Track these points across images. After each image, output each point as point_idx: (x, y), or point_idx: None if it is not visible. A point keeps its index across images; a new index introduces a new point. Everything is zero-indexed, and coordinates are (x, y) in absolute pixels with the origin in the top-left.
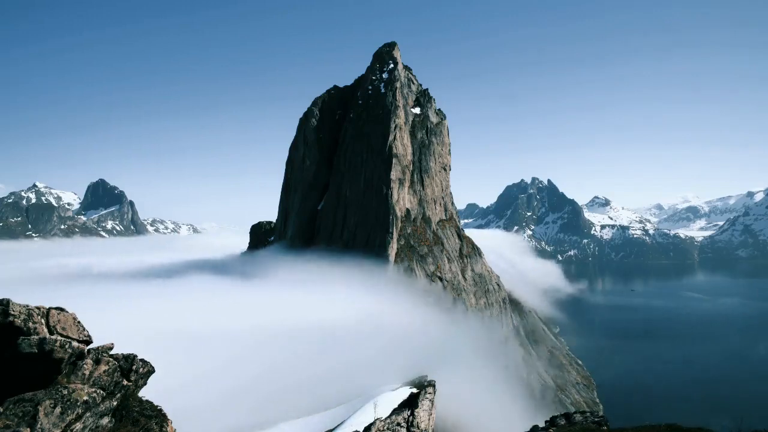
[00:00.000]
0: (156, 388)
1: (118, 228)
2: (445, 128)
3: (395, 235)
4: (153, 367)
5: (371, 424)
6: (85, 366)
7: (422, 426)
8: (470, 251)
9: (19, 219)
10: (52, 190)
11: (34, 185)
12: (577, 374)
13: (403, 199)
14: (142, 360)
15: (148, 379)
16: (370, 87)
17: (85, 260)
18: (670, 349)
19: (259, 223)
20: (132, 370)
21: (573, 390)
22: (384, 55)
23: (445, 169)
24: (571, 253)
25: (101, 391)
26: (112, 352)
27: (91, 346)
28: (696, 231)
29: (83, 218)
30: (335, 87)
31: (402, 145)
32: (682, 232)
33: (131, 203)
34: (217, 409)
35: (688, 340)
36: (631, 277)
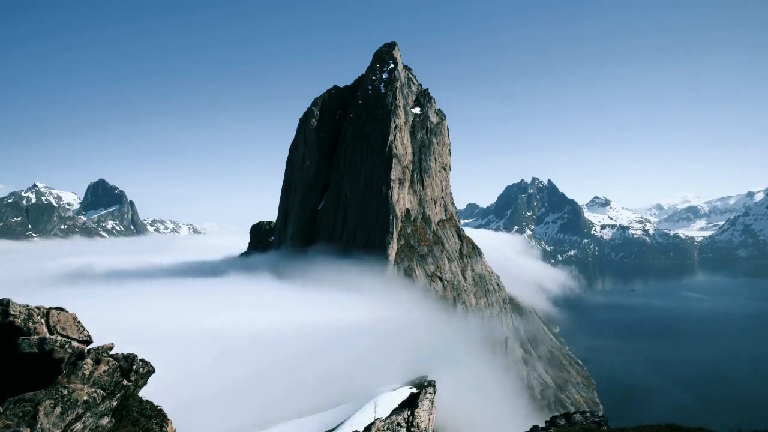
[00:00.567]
0: (156, 387)
1: (118, 228)
2: (445, 128)
3: (395, 235)
4: (153, 367)
5: (371, 424)
6: (85, 366)
7: (422, 426)
8: (470, 251)
9: (19, 219)
10: (52, 190)
11: (34, 185)
12: (577, 374)
13: (403, 199)
14: (142, 360)
15: (148, 379)
16: (370, 87)
17: (85, 260)
18: (670, 349)
19: (259, 223)
20: (132, 370)
21: (573, 390)
22: (384, 55)
23: (445, 169)
24: (571, 253)
25: (101, 391)
26: (112, 352)
27: (91, 346)
28: (696, 231)
29: (83, 218)
30: (335, 87)
31: (402, 145)
32: (682, 232)
33: (131, 203)
34: (217, 409)
35: (688, 340)
36: (631, 277)
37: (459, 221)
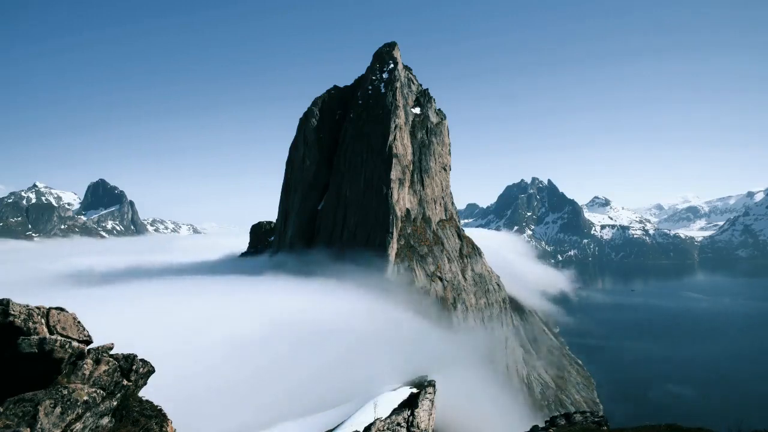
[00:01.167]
0: (156, 388)
1: (118, 228)
2: (445, 128)
3: (395, 235)
4: (153, 367)
5: (371, 424)
6: (85, 366)
7: (422, 426)
8: (470, 251)
9: (19, 219)
10: (52, 190)
11: (34, 185)
12: (577, 374)
13: (403, 199)
14: (142, 360)
15: (148, 379)
16: (370, 87)
17: (85, 260)
18: (670, 349)
19: (259, 223)
20: (132, 370)
21: (573, 390)
22: (384, 55)
23: (445, 169)
24: (571, 253)
25: (101, 391)
26: (112, 352)
27: (91, 346)
28: (696, 231)
29: (83, 218)
30: (335, 87)
31: (402, 145)
32: (682, 232)
33: (131, 203)
34: (217, 408)
35: (688, 340)
36: (631, 277)
37: (459, 221)
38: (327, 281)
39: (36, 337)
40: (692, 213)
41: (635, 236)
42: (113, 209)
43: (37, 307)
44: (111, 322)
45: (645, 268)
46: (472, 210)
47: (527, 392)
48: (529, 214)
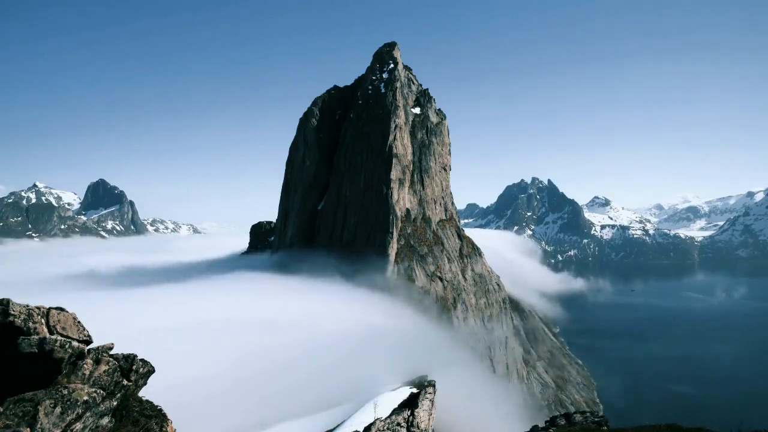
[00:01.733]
0: (156, 388)
1: (118, 228)
2: (445, 128)
3: (395, 235)
4: (153, 367)
5: (371, 424)
6: (85, 366)
7: (422, 426)
8: (470, 251)
9: (19, 219)
10: (52, 190)
11: (34, 185)
12: (577, 374)
13: (403, 199)
14: (142, 360)
15: (148, 379)
16: (370, 87)
17: (85, 260)
18: (670, 349)
19: (259, 223)
20: (132, 370)
21: (573, 390)
22: (384, 55)
23: (445, 169)
24: (571, 253)
25: (101, 391)
26: (112, 352)
27: (91, 346)
28: (696, 231)
29: (83, 218)
30: (335, 87)
31: (402, 145)
32: (682, 232)
33: (131, 203)
34: (217, 408)
35: (688, 340)
36: (631, 277)
37: (459, 221)
38: (327, 281)
39: (36, 337)
40: (692, 213)
41: (635, 236)
42: (113, 209)
43: (37, 307)
44: (111, 322)
45: (645, 268)
46: (472, 210)
47: (527, 392)
48: (529, 214)
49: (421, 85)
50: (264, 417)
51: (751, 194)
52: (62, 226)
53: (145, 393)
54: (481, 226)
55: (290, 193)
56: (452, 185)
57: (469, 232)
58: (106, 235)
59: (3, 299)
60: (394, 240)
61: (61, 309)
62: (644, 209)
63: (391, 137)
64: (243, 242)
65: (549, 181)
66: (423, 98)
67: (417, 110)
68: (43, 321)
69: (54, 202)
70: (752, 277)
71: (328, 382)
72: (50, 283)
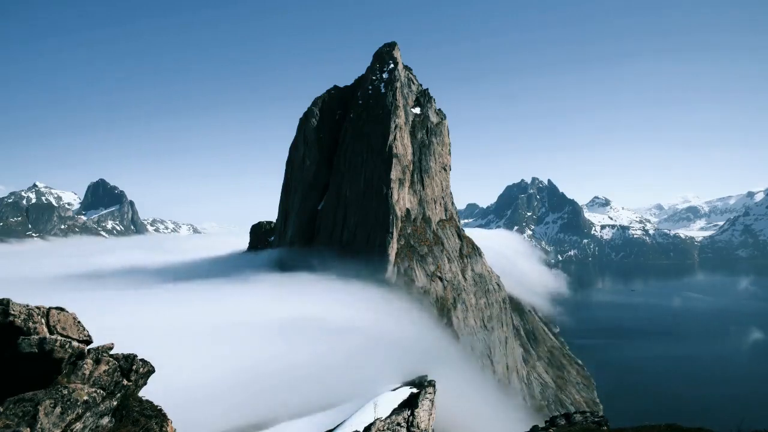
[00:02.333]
0: (156, 388)
1: (118, 228)
2: (445, 128)
3: (395, 235)
4: (153, 367)
5: (371, 424)
6: (85, 366)
7: (422, 426)
8: (470, 251)
9: (19, 219)
10: (52, 190)
11: (34, 185)
12: (577, 374)
13: (403, 199)
14: (142, 360)
15: (148, 378)
16: (370, 87)
17: (86, 260)
18: (671, 349)
19: (259, 223)
20: (132, 369)
21: (573, 390)
22: (384, 55)
23: (445, 169)
24: (571, 253)
25: (101, 391)
26: (112, 352)
27: (91, 346)
28: (696, 231)
29: (83, 218)
30: (335, 87)
31: (402, 145)
32: (682, 232)
33: (131, 203)
34: (217, 408)
35: (688, 340)
36: (631, 277)
37: (459, 221)
38: (327, 281)
39: (36, 336)
40: (692, 213)
41: (635, 236)
42: (113, 209)
43: (37, 307)
44: (111, 322)
45: (645, 268)
46: (472, 210)
47: (527, 392)
48: (529, 214)
49: (421, 85)
50: (264, 417)
51: (751, 194)
52: (62, 226)
53: (145, 393)
54: (481, 226)
55: (290, 193)
56: (452, 185)
57: (469, 232)
58: (106, 235)
59: (3, 299)
60: (394, 240)
61: (61, 309)
62: (644, 209)
63: (391, 137)
64: (243, 242)
65: (549, 181)
66: (423, 98)
67: (417, 110)
68: (43, 321)
69: (54, 202)
70: (752, 277)
71: (328, 382)
72: (50, 283)
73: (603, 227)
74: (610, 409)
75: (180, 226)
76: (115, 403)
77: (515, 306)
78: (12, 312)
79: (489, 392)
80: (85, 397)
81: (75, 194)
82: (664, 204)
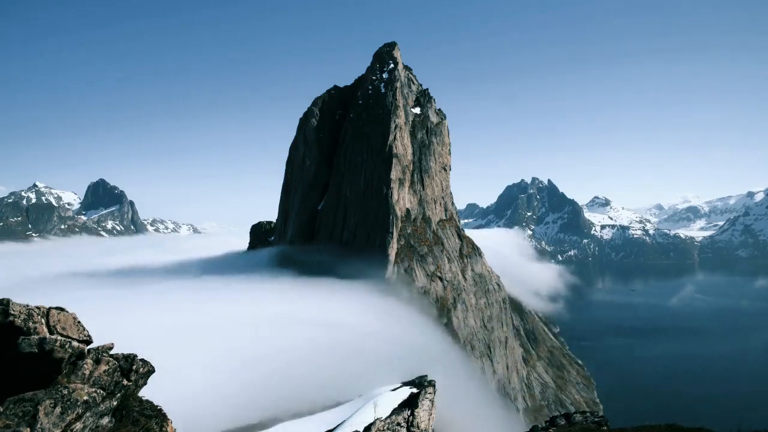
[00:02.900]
0: (156, 388)
1: (118, 228)
2: (445, 128)
3: (395, 235)
4: (153, 367)
5: (371, 424)
6: (85, 366)
7: (422, 426)
8: (470, 251)
9: (19, 219)
10: (52, 190)
11: (34, 185)
12: (577, 374)
13: (403, 199)
14: (142, 360)
15: (148, 378)
16: (370, 87)
17: (85, 260)
18: (670, 349)
19: (259, 223)
20: (132, 369)
21: (573, 390)
22: (384, 55)
23: (445, 169)
24: (571, 253)
25: (101, 391)
26: (112, 352)
27: (91, 345)
28: (696, 231)
29: (83, 218)
30: (335, 87)
31: (402, 145)
32: (682, 232)
33: (131, 203)
34: (217, 409)
35: (688, 340)
36: (631, 277)
37: (459, 221)
38: (327, 281)
39: (36, 336)
40: (692, 213)
41: (635, 236)
42: (113, 209)
43: (37, 307)
44: (111, 323)
45: (645, 268)
46: (472, 210)
47: (527, 392)
48: (529, 214)
49: (421, 85)
50: (264, 417)
51: (751, 194)
52: (62, 226)
53: (145, 393)
54: (481, 226)
55: (290, 193)
56: (452, 185)
57: (469, 232)
58: (106, 235)
59: (3, 299)
60: (394, 240)
61: (61, 309)
62: (644, 209)
63: (391, 137)
64: (243, 242)
65: (549, 181)
66: (423, 98)
67: (417, 110)
68: (43, 321)
69: (54, 202)
70: (752, 277)
71: (328, 382)
72: (50, 283)
73: (603, 227)
74: (610, 409)
75: (180, 226)
76: (115, 403)
77: (515, 306)
78: (12, 312)
79: (489, 392)
80: (85, 397)
81: (75, 194)
82: (664, 204)
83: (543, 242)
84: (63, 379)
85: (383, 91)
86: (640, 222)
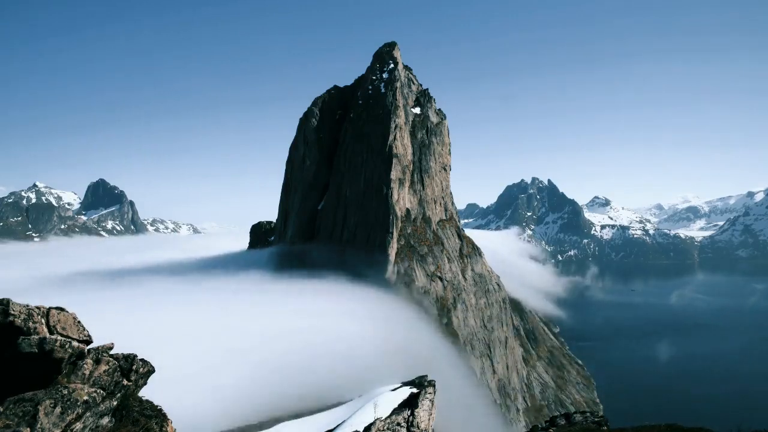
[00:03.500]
0: (156, 388)
1: (118, 228)
2: (445, 128)
3: (395, 235)
4: (153, 367)
5: (371, 424)
6: (85, 366)
7: (422, 426)
8: (470, 251)
9: (19, 219)
10: (52, 190)
11: (34, 185)
12: (577, 374)
13: (403, 199)
14: (142, 360)
15: (148, 378)
16: (370, 87)
17: (86, 260)
18: (670, 349)
19: (259, 223)
20: (132, 369)
21: (573, 390)
22: (384, 55)
23: (445, 169)
24: (571, 253)
25: (101, 391)
26: (112, 352)
27: (91, 346)
28: (696, 231)
29: (83, 218)
30: (335, 87)
31: (402, 145)
32: (682, 232)
33: (131, 203)
34: (217, 409)
35: (688, 340)
36: (631, 277)
37: (459, 221)
38: (327, 281)
39: (36, 336)
40: (692, 213)
41: (635, 236)
42: (113, 209)
43: (37, 307)
44: (112, 323)
45: (645, 268)
46: (472, 210)
47: (527, 392)
48: (529, 214)
49: (421, 85)
50: (263, 417)
51: (751, 194)
52: (62, 226)
53: (145, 393)
54: (481, 226)
55: (290, 193)
56: (452, 185)
57: (469, 232)
58: (106, 235)
59: (3, 299)
60: (394, 240)
61: (61, 309)
62: (644, 209)
63: (391, 137)
64: (243, 242)
65: (549, 181)
66: (423, 98)
67: (417, 110)
68: (43, 321)
69: (54, 202)
70: (752, 277)
71: (328, 382)
72: (51, 283)
73: (603, 227)
74: (610, 409)
75: (180, 226)
76: (115, 403)
77: (515, 306)
78: (12, 312)
79: (489, 392)
80: (85, 397)
81: (75, 194)
82: (664, 204)
83: (543, 242)
84: (63, 379)
85: (383, 91)
86: (640, 222)
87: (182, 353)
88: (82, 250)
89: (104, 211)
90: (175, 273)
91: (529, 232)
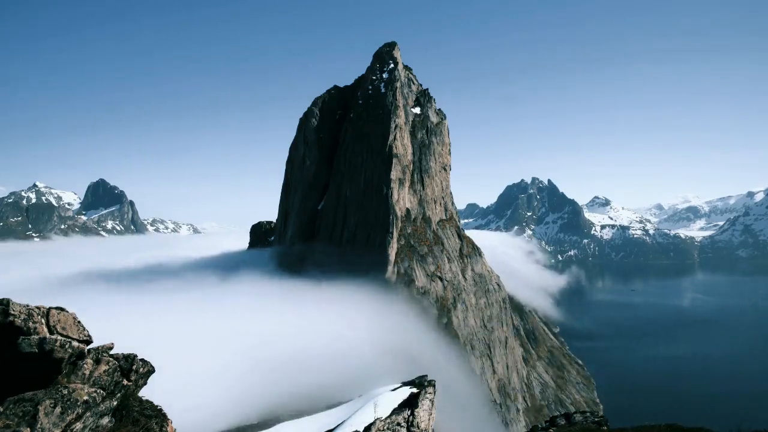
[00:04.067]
0: (156, 388)
1: (118, 228)
2: (445, 128)
3: (395, 235)
4: (153, 367)
5: (371, 424)
6: (85, 366)
7: (422, 426)
8: (470, 251)
9: (19, 219)
10: (52, 190)
11: (34, 185)
12: (577, 374)
13: (403, 199)
14: (142, 360)
15: (148, 378)
16: (370, 87)
17: (86, 260)
18: (670, 349)
19: (259, 223)
20: (132, 369)
21: (573, 390)
22: (384, 55)
23: (445, 169)
24: (571, 253)
25: (101, 391)
26: (112, 352)
27: (91, 345)
28: (696, 231)
29: (83, 218)
30: (335, 87)
31: (402, 145)
32: (683, 232)
33: (131, 203)
34: (217, 409)
35: (688, 340)
36: (631, 277)
37: (459, 221)
38: (327, 281)
39: (36, 336)
40: (692, 213)
41: (635, 236)
42: (113, 209)
43: (37, 307)
44: (111, 323)
45: (645, 268)
46: (472, 210)
47: (527, 392)
48: (529, 214)
49: (421, 85)
50: (263, 417)
51: (751, 194)
52: (62, 226)
53: (145, 393)
54: (481, 226)
55: (290, 193)
56: (452, 185)
57: (469, 232)
58: (106, 235)
59: (3, 299)
60: (394, 240)
61: (61, 309)
62: (644, 209)
63: (391, 137)
64: (243, 242)
65: (549, 181)
66: (423, 98)
67: (417, 110)
68: (43, 321)
69: (54, 202)
70: (752, 277)
71: (329, 382)
72: (51, 283)
73: (603, 227)
74: (610, 409)
75: (180, 226)
76: (115, 403)
77: (515, 306)
78: (12, 312)
79: (489, 392)
80: (85, 397)
81: (75, 194)
82: (664, 204)
83: (543, 242)
84: (63, 379)
85: (383, 91)
86: (640, 222)
87: (182, 353)
88: (82, 250)
89: (104, 211)
90: (175, 273)
91: (529, 232)
